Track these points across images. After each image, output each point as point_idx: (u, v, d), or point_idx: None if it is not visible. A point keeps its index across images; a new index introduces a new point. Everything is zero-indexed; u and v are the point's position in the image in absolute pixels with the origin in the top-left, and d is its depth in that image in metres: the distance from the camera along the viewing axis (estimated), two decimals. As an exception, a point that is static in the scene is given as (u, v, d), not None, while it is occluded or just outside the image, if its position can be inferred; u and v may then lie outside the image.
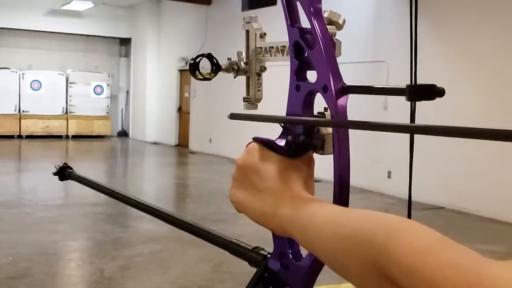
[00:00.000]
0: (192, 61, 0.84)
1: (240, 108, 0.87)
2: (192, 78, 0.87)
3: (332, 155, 0.70)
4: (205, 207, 7.93)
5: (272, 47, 0.81)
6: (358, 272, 0.55)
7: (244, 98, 0.85)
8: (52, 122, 17.18)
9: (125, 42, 18.76)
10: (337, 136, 0.69)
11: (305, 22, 0.74)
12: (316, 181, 0.77)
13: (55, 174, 1.34)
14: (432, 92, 0.62)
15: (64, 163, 1.35)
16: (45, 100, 16.88)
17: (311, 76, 0.74)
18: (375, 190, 9.06)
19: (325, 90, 0.69)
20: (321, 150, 0.72)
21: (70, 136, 17.39)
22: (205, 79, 0.85)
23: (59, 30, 17.09)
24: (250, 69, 0.84)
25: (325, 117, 0.72)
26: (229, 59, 0.86)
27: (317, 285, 0.76)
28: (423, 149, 6.58)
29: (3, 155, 13.59)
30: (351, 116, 0.66)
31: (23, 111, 16.86)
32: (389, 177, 9.01)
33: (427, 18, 7.85)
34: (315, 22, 0.71)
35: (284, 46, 0.78)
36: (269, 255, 0.81)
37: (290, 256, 0.77)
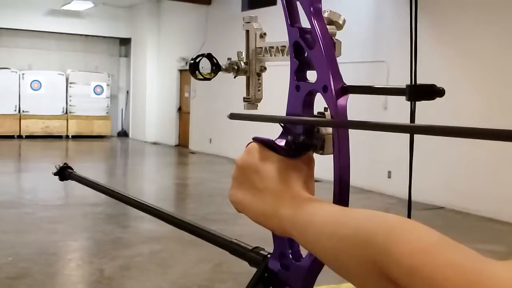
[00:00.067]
0: (192, 61, 0.84)
1: (240, 108, 0.87)
2: (192, 78, 0.87)
3: (332, 155, 0.70)
4: (205, 207, 7.93)
5: (272, 47, 0.81)
6: (358, 272, 0.55)
7: (244, 98, 0.85)
8: (52, 122, 17.18)
9: (125, 42, 18.76)
10: (337, 136, 0.69)
11: (305, 22, 0.74)
12: (316, 181, 0.77)
13: (55, 174, 1.34)
14: (432, 92, 0.62)
15: (64, 163, 1.35)
16: (45, 100, 16.88)
17: (311, 76, 0.74)
18: (375, 190, 9.06)
19: (325, 90, 0.69)
20: (321, 150, 0.72)
21: (70, 136, 17.38)
22: (205, 79, 0.85)
23: (59, 30, 17.09)
24: (250, 69, 0.84)
25: (325, 117, 0.72)
26: (229, 59, 0.86)
27: (317, 285, 0.76)
28: (423, 149, 6.59)
29: (3, 155, 13.59)
30: (351, 116, 0.66)
31: (23, 111, 16.86)
32: (389, 177, 9.01)
33: (427, 18, 7.85)
34: (315, 22, 0.71)
35: (284, 46, 0.78)
36: (269, 255, 0.81)
37: (290, 256, 0.77)
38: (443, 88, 0.62)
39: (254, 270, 0.82)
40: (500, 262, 0.48)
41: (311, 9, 0.71)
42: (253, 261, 0.84)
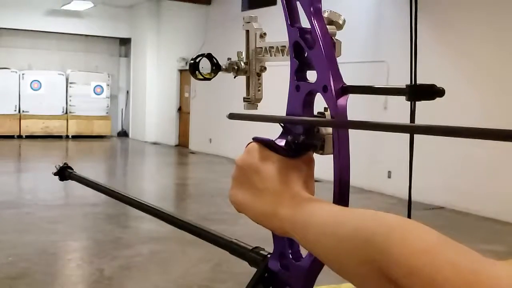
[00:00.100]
0: (192, 61, 0.84)
1: (240, 108, 0.87)
2: (192, 78, 0.87)
3: (332, 155, 0.70)
4: (205, 207, 7.93)
5: (272, 47, 0.81)
6: (358, 272, 0.55)
7: (244, 98, 0.85)
8: (52, 122, 17.18)
9: (125, 42, 18.76)
10: (337, 136, 0.69)
11: (305, 22, 0.74)
12: (316, 181, 0.77)
13: (55, 174, 1.34)
14: (432, 92, 0.62)
15: (64, 163, 1.35)
16: (45, 100, 16.88)
17: (311, 76, 0.74)
18: (375, 190, 9.06)
19: (325, 90, 0.69)
20: (321, 150, 0.72)
21: (70, 136, 17.39)
22: (205, 79, 0.85)
23: (59, 30, 17.09)
24: (250, 69, 0.84)
25: (325, 117, 0.72)
26: (229, 59, 0.86)
27: (317, 285, 0.76)
28: (423, 149, 6.58)
29: (3, 155, 13.59)
30: (351, 116, 0.66)
31: (23, 111, 16.86)
32: (389, 177, 9.01)
33: (428, 19, 7.85)
34: (315, 22, 0.71)
35: (284, 46, 0.78)
36: (269, 255, 0.81)
37: (290, 256, 0.77)
38: (443, 88, 0.62)
39: (254, 270, 0.82)
40: (500, 262, 0.48)
41: (311, 9, 0.71)
42: (253, 261, 0.84)
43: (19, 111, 16.83)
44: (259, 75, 0.85)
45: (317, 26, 0.71)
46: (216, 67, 0.84)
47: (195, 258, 5.36)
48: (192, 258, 5.41)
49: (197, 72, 0.84)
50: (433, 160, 8.01)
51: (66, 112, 17.46)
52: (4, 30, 16.58)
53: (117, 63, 19.09)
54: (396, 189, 8.42)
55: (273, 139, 0.73)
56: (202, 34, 14.47)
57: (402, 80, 0.84)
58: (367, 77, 8.74)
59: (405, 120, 0.77)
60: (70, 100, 17.44)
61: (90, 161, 13.17)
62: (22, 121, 16.81)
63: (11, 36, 16.97)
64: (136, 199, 1.15)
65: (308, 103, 0.75)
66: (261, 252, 0.83)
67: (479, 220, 7.43)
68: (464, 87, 7.71)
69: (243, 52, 0.85)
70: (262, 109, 0.84)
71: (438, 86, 0.62)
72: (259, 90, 0.85)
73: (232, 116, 0.82)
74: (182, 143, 16.12)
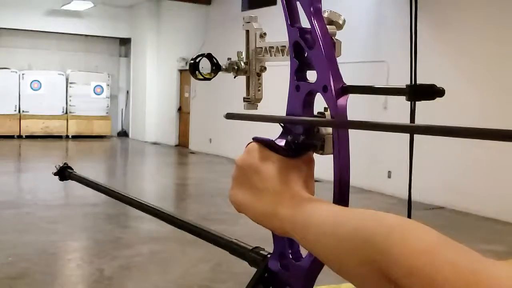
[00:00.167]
0: (192, 61, 0.84)
1: (241, 108, 0.87)
2: (192, 78, 0.87)
3: (332, 155, 0.70)
4: (205, 207, 7.93)
5: (272, 47, 0.81)
6: (358, 272, 0.55)
7: (244, 98, 0.85)
8: (52, 122, 17.18)
9: (125, 42, 18.76)
10: (337, 136, 0.69)
11: (305, 22, 0.74)
12: (316, 181, 0.77)
13: (55, 174, 1.34)
14: (432, 92, 0.62)
15: (64, 163, 1.35)
16: (45, 100, 16.88)
17: (311, 76, 0.74)
18: (375, 190, 9.06)
19: (325, 90, 0.69)
20: (321, 150, 0.72)
21: (70, 136, 17.39)
22: (205, 79, 0.85)
23: (59, 30, 17.09)
24: (250, 69, 0.84)
25: (325, 117, 0.72)
26: (229, 59, 0.86)
27: (317, 285, 0.76)
28: (423, 149, 6.58)
29: (3, 155, 13.59)
30: (351, 116, 0.66)
31: (23, 111, 16.86)
32: (389, 177, 9.01)
33: (428, 18, 7.85)
34: (315, 22, 0.71)
35: (284, 46, 0.78)
36: (269, 255, 0.81)
37: (290, 256, 0.77)
38: (443, 88, 0.62)
39: (254, 270, 0.82)
40: (500, 262, 0.48)
41: (311, 9, 0.71)
42: (253, 261, 0.84)
43: (19, 111, 16.83)
44: (259, 75, 0.85)
45: (317, 26, 0.71)
46: (216, 67, 0.84)
47: (195, 258, 5.36)
48: (192, 258, 5.41)
49: (197, 72, 0.84)
50: (433, 160, 8.00)
51: (66, 112, 17.46)
52: (4, 30, 16.58)
53: (117, 63, 19.09)
54: (396, 189, 8.42)
55: (273, 139, 0.73)
56: (202, 34, 14.47)
57: (402, 80, 0.84)
58: (367, 77, 8.74)
59: (405, 120, 0.77)
60: (70, 100, 17.44)
61: (90, 161, 13.17)
62: (22, 121, 16.81)
63: (11, 36, 16.97)
64: (136, 199, 1.15)
65: (308, 103, 0.75)
66: (261, 252, 0.83)
67: (479, 220, 7.43)
68: (464, 86, 7.71)
69: (243, 52, 0.85)
70: (262, 109, 0.84)
71: (438, 86, 0.62)
72: (259, 90, 0.85)
73: (228, 116, 0.81)
74: (182, 143, 16.12)
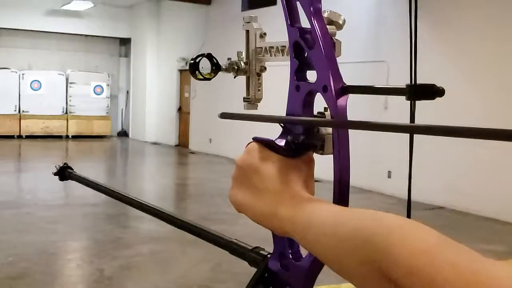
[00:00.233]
0: (192, 61, 0.84)
1: (241, 108, 0.87)
2: (192, 78, 0.87)
3: (332, 155, 0.70)
4: (205, 207, 7.93)
5: (272, 47, 0.81)
6: (358, 272, 0.55)
7: (244, 98, 0.85)
8: (52, 122, 17.18)
9: (125, 42, 18.76)
10: (337, 136, 0.69)
11: (305, 22, 0.74)
12: (316, 181, 0.77)
13: (55, 174, 1.34)
14: (432, 91, 0.62)
15: (64, 163, 1.35)
16: (45, 100, 16.88)
17: (311, 76, 0.74)
18: (375, 190, 9.06)
19: (325, 90, 0.69)
20: (321, 150, 0.72)
21: (70, 136, 17.39)
22: (205, 79, 0.85)
23: (59, 30, 17.09)
24: (250, 69, 0.84)
25: (325, 117, 0.72)
26: (229, 59, 0.86)
27: (317, 285, 0.76)
28: (423, 149, 6.58)
29: (3, 155, 13.59)
30: (351, 116, 0.66)
31: (23, 111, 16.86)
32: (389, 177, 9.01)
33: (427, 18, 7.85)
34: (315, 22, 0.71)
35: (284, 46, 0.78)
36: (269, 255, 0.81)
37: (290, 256, 0.77)
38: (443, 88, 0.61)
39: (254, 270, 0.82)
40: (500, 262, 0.48)
41: (311, 9, 0.71)
42: (253, 261, 0.84)
43: (19, 111, 16.83)
44: (259, 75, 0.85)
45: (317, 26, 0.70)
46: (216, 67, 0.84)
47: (195, 258, 5.36)
48: (192, 258, 5.41)
49: (197, 72, 0.84)
50: (433, 160, 8.00)
51: (66, 112, 17.46)
52: (4, 30, 16.58)
53: (117, 63, 19.09)
54: (396, 189, 8.42)
55: (273, 139, 0.73)
56: (202, 34, 14.47)
57: (402, 80, 0.84)
58: (367, 77, 8.74)
59: (405, 120, 0.77)
60: (70, 100, 17.44)
61: (90, 161, 13.17)
62: (22, 121, 16.81)
63: (11, 36, 16.97)
64: (136, 199, 1.15)
65: (308, 103, 0.75)
66: (261, 252, 0.83)
67: (479, 220, 7.43)
68: (464, 86, 7.71)
69: (243, 52, 0.85)
70: (262, 109, 0.84)
71: (438, 85, 0.62)
72: (259, 90, 0.85)
73: (223, 116, 0.81)
74: (182, 143, 16.12)
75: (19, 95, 16.82)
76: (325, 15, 0.73)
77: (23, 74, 16.89)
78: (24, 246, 5.71)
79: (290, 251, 0.77)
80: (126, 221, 6.97)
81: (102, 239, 6.16)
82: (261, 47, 0.83)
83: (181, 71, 16.07)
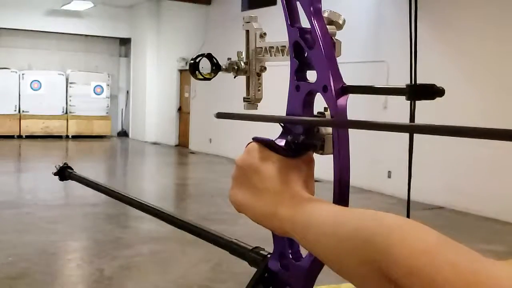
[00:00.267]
0: (192, 61, 0.84)
1: (241, 108, 0.87)
2: (192, 78, 0.87)
3: (332, 155, 0.70)
4: (205, 207, 7.93)
5: (272, 47, 0.81)
6: (358, 272, 0.55)
7: (244, 98, 0.85)
8: (52, 122, 17.18)
9: (125, 42, 18.76)
10: (337, 136, 0.69)
11: (305, 22, 0.74)
12: (316, 181, 0.77)
13: (55, 174, 1.34)
14: (432, 91, 0.62)
15: (64, 163, 1.35)
16: (45, 100, 16.88)
17: (311, 76, 0.74)
18: (375, 190, 9.06)
19: (325, 90, 0.69)
20: (321, 150, 0.72)
21: (70, 136, 17.39)
22: (205, 79, 0.85)
23: (59, 30, 17.09)
24: (250, 69, 0.84)
25: (325, 117, 0.72)
26: (229, 59, 0.85)
27: (317, 285, 0.76)
28: (423, 149, 6.58)
29: (3, 155, 13.59)
30: (351, 116, 0.66)
31: (23, 111, 16.86)
32: (389, 177, 9.01)
33: (427, 18, 7.85)
34: (315, 22, 0.71)
35: (284, 46, 0.78)
36: (269, 255, 0.81)
37: (290, 256, 0.77)
38: (443, 88, 0.61)
39: (254, 270, 0.82)
40: (500, 262, 0.48)
41: (311, 9, 0.71)
42: (253, 261, 0.84)
43: (19, 111, 16.83)
44: (259, 75, 0.85)
45: (317, 26, 0.70)
46: (216, 67, 0.84)
47: (195, 258, 5.36)
48: (192, 258, 5.41)
49: (197, 72, 0.84)
50: (433, 160, 8.00)
51: (66, 112, 17.46)
52: (4, 30, 16.58)
53: (117, 63, 19.09)
54: (396, 189, 8.42)
55: (273, 139, 0.73)
56: (202, 34, 14.47)
57: (402, 80, 0.84)
58: (367, 77, 8.74)
59: (405, 119, 0.77)
60: (70, 100, 17.44)
61: (90, 161, 13.17)
62: (22, 121, 16.81)
63: (11, 36, 16.97)
64: (136, 199, 1.15)
65: (308, 103, 0.75)
66: (261, 252, 0.83)
67: (479, 220, 7.43)
68: (463, 85, 7.71)
69: (243, 52, 0.85)
70: (262, 109, 0.84)
71: (438, 85, 0.62)
72: (259, 90, 0.85)
73: (219, 115, 0.81)
74: (182, 143, 16.12)
75: (19, 95, 16.82)
76: (325, 15, 0.73)
77: (23, 74, 16.89)
78: (24, 246, 5.71)
79: (290, 251, 0.77)
80: (126, 221, 6.97)
81: (102, 239, 6.16)
82: (261, 47, 0.83)
83: (181, 71, 16.06)
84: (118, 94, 18.98)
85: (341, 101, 0.68)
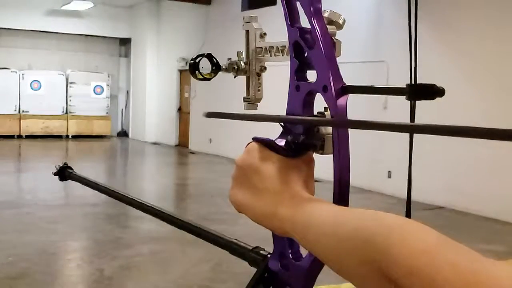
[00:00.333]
0: (192, 61, 0.84)
1: (241, 108, 0.87)
2: (192, 78, 0.87)
3: (332, 155, 0.70)
4: (205, 207, 7.93)
5: (272, 47, 0.81)
6: (358, 272, 0.55)
7: (244, 98, 0.85)
8: (52, 122, 17.18)
9: (125, 42, 18.76)
10: (337, 136, 0.69)
11: (305, 22, 0.74)
12: (316, 181, 0.77)
13: (55, 174, 1.34)
14: (432, 91, 0.62)
15: (64, 163, 1.35)
16: (45, 100, 16.88)
17: (311, 76, 0.74)
18: (375, 190, 9.05)
19: (325, 90, 0.69)
20: (321, 150, 0.72)
21: (70, 136, 17.39)
22: (205, 79, 0.85)
23: (59, 30, 17.09)
24: (250, 69, 0.84)
25: (325, 117, 0.72)
26: (229, 59, 0.85)
27: (317, 285, 0.76)
28: (423, 148, 6.59)
29: (3, 155, 13.59)
30: (351, 116, 0.66)
31: (23, 111, 16.86)
32: (389, 177, 9.01)
33: (427, 18, 7.85)
34: (315, 22, 0.71)
35: (284, 46, 0.78)
36: (269, 255, 0.81)
37: (290, 256, 0.77)
38: (443, 88, 0.61)
39: (254, 270, 0.82)
40: (500, 262, 0.48)
41: (311, 9, 0.71)
42: (253, 261, 0.84)
43: (19, 111, 16.83)
44: (259, 75, 0.85)
45: (317, 26, 0.70)
46: (216, 67, 0.84)
47: (195, 258, 5.36)
48: (192, 258, 5.41)
49: (197, 72, 0.84)
50: (433, 160, 8.00)
51: (66, 112, 17.46)
52: (4, 30, 16.58)
53: (117, 63, 19.09)
54: (396, 189, 8.42)
55: (273, 139, 0.73)
56: (202, 34, 14.47)
57: (402, 80, 0.84)
58: (367, 77, 8.74)
59: (405, 119, 0.77)
60: (70, 100, 17.44)
61: (90, 161, 13.17)
62: (22, 121, 16.81)
63: (11, 36, 16.97)
64: (136, 199, 1.15)
65: (308, 103, 0.75)
66: (261, 252, 0.83)
67: (479, 220, 7.43)
68: (464, 85, 7.71)
69: (243, 52, 0.85)
70: (262, 109, 0.84)
71: (438, 85, 0.62)
72: (259, 90, 0.85)
73: (208, 115, 0.81)
74: (182, 143, 16.12)
75: (19, 95, 16.82)
76: (325, 15, 0.73)
77: (23, 74, 16.89)
78: (24, 246, 5.71)
79: (290, 251, 0.77)
80: (126, 221, 6.97)
81: (102, 239, 6.16)
82: (261, 47, 0.83)
83: (181, 71, 16.06)
84: (118, 94, 18.98)
85: (341, 101, 0.68)
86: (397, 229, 0.52)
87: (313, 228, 0.62)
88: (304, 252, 0.73)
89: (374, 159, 9.01)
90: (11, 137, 16.49)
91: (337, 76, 0.69)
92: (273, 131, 0.77)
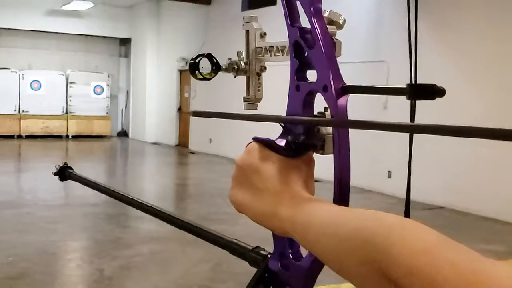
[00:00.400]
0: (192, 61, 0.84)
1: (240, 108, 0.87)
2: (192, 78, 0.87)
3: (332, 155, 0.70)
4: (205, 207, 7.93)
5: (272, 47, 0.81)
6: (358, 272, 0.55)
7: (244, 98, 0.85)
8: (52, 122, 17.18)
9: (125, 42, 18.76)
10: (337, 136, 0.69)
11: (305, 22, 0.74)
12: (316, 181, 0.77)
13: (55, 174, 1.34)
14: (432, 91, 0.62)
15: (64, 163, 1.35)
16: (45, 100, 16.88)
17: (311, 76, 0.74)
18: (375, 190, 9.05)
19: (325, 90, 0.69)
20: (321, 150, 0.72)
21: (70, 136, 17.39)
22: (205, 79, 0.85)
23: (59, 30, 17.09)
24: (250, 69, 0.84)
25: (325, 117, 0.72)
26: (229, 59, 0.85)
27: (317, 285, 0.76)
28: (423, 148, 6.58)
29: (3, 155, 13.59)
30: (351, 116, 0.66)
31: (23, 111, 16.86)
32: (389, 177, 9.01)
33: (427, 18, 7.85)
34: (315, 22, 0.71)
35: (284, 46, 0.78)
36: (269, 255, 0.81)
37: (290, 256, 0.77)
38: (443, 88, 0.61)
39: (254, 270, 0.82)
40: (500, 262, 0.48)
41: (311, 9, 0.71)
42: (253, 261, 0.84)
43: (19, 111, 16.83)
44: (259, 75, 0.85)
45: (317, 26, 0.70)
46: (216, 67, 0.84)
47: (195, 258, 5.36)
48: (192, 258, 5.41)
49: (197, 72, 0.84)
50: (433, 160, 8.00)
51: (66, 112, 17.46)
52: (4, 30, 16.58)
53: (117, 63, 19.09)
54: (396, 189, 8.42)
55: (273, 139, 0.73)
56: (202, 34, 14.47)
57: (402, 80, 0.84)
58: (367, 77, 8.74)
59: (405, 119, 0.77)
60: (70, 100, 17.44)
61: (90, 161, 13.17)
62: (22, 121, 16.81)
63: (11, 36, 16.97)
64: (136, 199, 1.15)
65: (308, 103, 0.75)
66: (261, 252, 0.83)
67: (479, 220, 7.43)
68: (464, 85, 7.71)
69: (243, 52, 0.85)
70: (262, 109, 0.84)
71: (438, 85, 0.62)
72: (259, 90, 0.85)
73: (195, 114, 0.81)
74: (182, 143, 16.12)
75: (19, 95, 16.82)
76: (325, 15, 0.73)
77: (23, 74, 16.89)
78: (24, 246, 5.71)
79: (290, 251, 0.77)
80: (126, 221, 6.97)
81: (102, 239, 6.16)
82: (261, 47, 0.83)
83: (181, 71, 16.06)
84: (118, 94, 18.98)
85: (341, 101, 0.68)
86: (397, 229, 0.52)
87: (313, 228, 0.62)
88: (304, 252, 0.73)
89: (374, 159, 9.01)
90: (11, 137, 16.49)
91: (337, 76, 0.69)
92: (273, 131, 0.77)
